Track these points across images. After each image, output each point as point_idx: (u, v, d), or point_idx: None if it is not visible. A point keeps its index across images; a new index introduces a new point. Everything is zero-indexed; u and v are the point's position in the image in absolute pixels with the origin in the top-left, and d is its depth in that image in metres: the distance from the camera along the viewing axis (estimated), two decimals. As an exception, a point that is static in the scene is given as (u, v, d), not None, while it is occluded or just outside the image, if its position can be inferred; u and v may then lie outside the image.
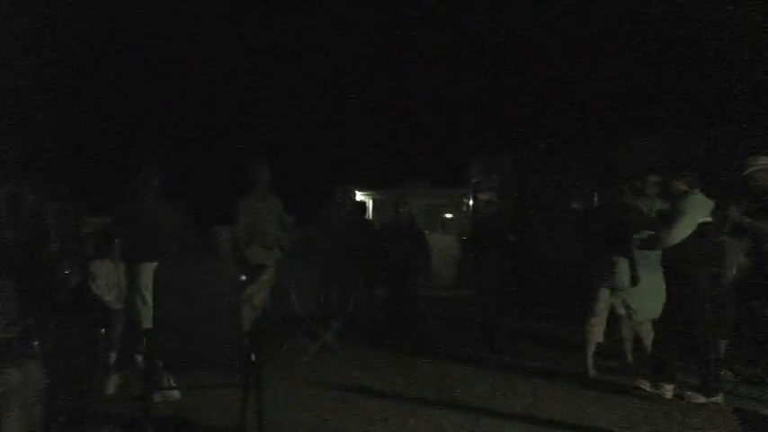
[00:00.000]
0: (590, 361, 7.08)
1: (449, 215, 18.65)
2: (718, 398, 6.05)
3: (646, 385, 6.28)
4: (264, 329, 7.72)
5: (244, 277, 7.05)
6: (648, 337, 6.97)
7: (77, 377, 5.50)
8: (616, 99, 18.25)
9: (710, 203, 6.33)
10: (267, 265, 7.85)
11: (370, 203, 17.89)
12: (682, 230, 6.21)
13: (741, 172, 6.66)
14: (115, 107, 21.55)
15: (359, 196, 16.13)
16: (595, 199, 8.28)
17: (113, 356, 6.83)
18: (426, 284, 9.79)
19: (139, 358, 6.89)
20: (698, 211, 6.27)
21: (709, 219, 6.31)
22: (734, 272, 6.80)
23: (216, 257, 7.77)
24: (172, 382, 5.93)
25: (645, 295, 6.88)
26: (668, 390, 6.21)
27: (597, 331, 7.10)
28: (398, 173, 22.23)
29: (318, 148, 24.10)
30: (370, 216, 16.63)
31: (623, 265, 6.89)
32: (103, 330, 6.59)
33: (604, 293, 7.06)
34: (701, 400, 6.05)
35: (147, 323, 5.54)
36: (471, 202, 16.36)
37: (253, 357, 4.91)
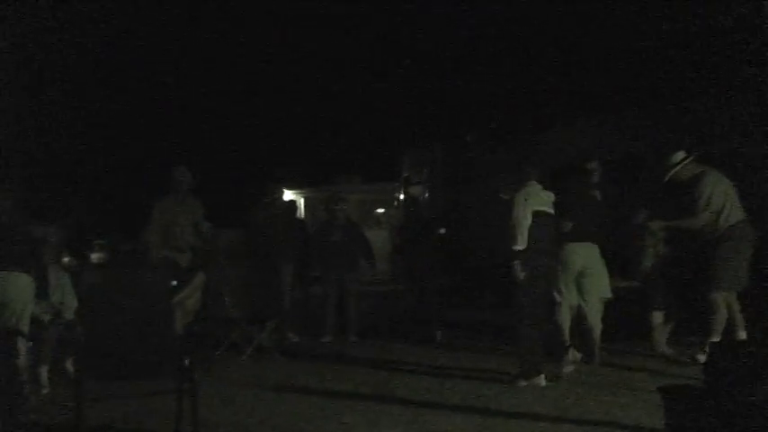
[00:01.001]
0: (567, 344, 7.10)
1: (381, 210, 18.77)
2: (539, 379, 6.34)
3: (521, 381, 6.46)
4: (198, 333, 7.68)
5: (174, 282, 7.00)
6: (597, 321, 7.14)
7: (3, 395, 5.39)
8: (542, 89, 18.59)
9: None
10: (197, 269, 7.83)
11: (301, 202, 17.86)
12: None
13: (662, 169, 6.94)
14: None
15: (289, 195, 16.09)
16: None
17: (44, 370, 6.71)
18: (371, 278, 9.78)
19: (70, 368, 6.79)
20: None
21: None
22: (651, 262, 7.10)
23: (146, 263, 7.71)
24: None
25: (595, 277, 7.10)
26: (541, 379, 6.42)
27: (565, 317, 7.18)
28: (329, 170, 22.24)
29: (246, 149, 23.93)
30: (302, 215, 16.60)
31: (577, 252, 7.06)
32: (31, 344, 6.47)
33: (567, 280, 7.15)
34: (523, 383, 6.34)
35: None
36: (402, 197, 16.48)
37: (186, 362, 4.88)
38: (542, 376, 6.43)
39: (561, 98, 17.53)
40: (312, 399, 6.21)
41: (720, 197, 6.78)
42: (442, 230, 9.64)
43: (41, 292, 6.79)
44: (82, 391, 4.87)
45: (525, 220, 6.37)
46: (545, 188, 6.66)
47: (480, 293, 11.60)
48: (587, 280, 7.16)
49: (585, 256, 7.11)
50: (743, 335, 6.75)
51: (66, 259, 8.97)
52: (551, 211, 6.60)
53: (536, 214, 6.42)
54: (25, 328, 6.34)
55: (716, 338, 6.54)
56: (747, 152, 7.64)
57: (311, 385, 6.78)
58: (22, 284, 6.49)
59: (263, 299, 8.85)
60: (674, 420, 3.68)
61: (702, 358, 6.42)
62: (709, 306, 6.71)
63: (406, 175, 16.22)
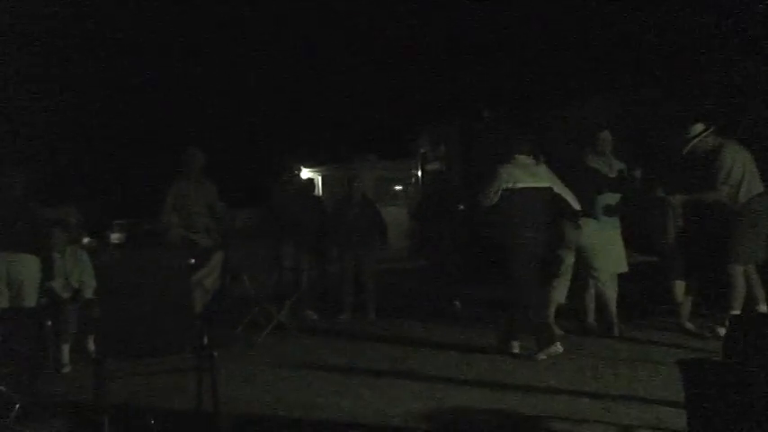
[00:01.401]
0: (551, 320, 7.15)
1: (398, 187, 18.72)
2: (555, 347, 6.43)
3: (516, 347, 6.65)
4: (217, 312, 7.74)
5: (193, 261, 7.04)
6: (613, 295, 7.18)
7: (25, 373, 5.46)
8: (557, 66, 18.46)
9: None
10: (215, 248, 7.87)
11: (318, 180, 17.85)
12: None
13: (680, 142, 6.86)
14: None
15: (306, 173, 16.09)
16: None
17: (65, 349, 6.79)
18: (388, 255, 9.79)
19: (91, 346, 6.87)
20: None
21: None
22: (672, 234, 7.04)
23: (164, 242, 7.76)
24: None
25: (607, 253, 7.07)
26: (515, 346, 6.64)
27: (560, 292, 7.27)
28: (347, 147, 22.20)
29: (264, 128, 23.93)
30: (320, 192, 16.60)
31: (588, 226, 7.06)
32: (50, 323, 6.55)
33: (566, 255, 7.21)
34: (542, 356, 6.41)
35: None
36: (420, 174, 16.43)
37: (205, 340, 4.91)
38: (558, 344, 6.47)
39: (576, 75, 17.41)
40: (330, 376, 6.25)
41: (740, 170, 6.70)
42: (461, 206, 9.59)
43: (47, 274, 6.91)
44: (102, 370, 4.91)
45: (492, 195, 6.52)
46: (540, 162, 6.71)
47: (497, 269, 11.56)
48: (597, 255, 7.14)
49: (588, 233, 7.10)
50: (764, 308, 6.70)
51: (86, 239, 9.06)
52: (547, 185, 6.63)
53: (521, 190, 6.50)
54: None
55: (736, 311, 6.49)
56: (765, 122, 7.51)
57: (329, 362, 6.81)
58: (29, 265, 6.64)
59: (282, 278, 8.89)
60: (694, 394, 3.66)
61: (722, 331, 6.37)
62: (728, 279, 6.65)
63: (423, 151, 16.15)
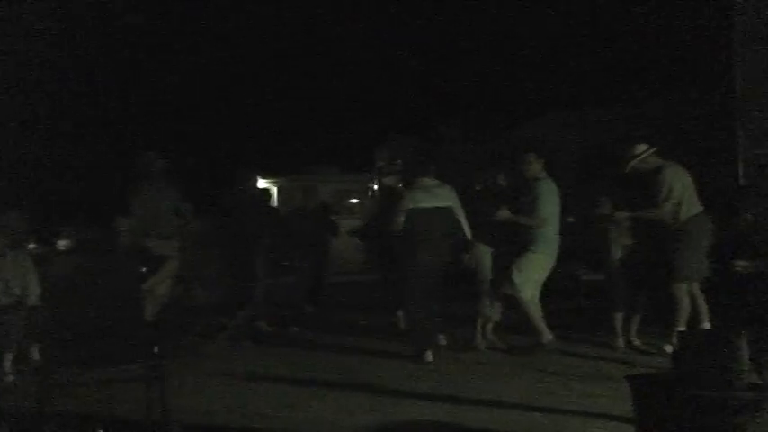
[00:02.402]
0: (479, 336, 7.48)
1: (355, 200, 18.74)
2: (426, 355, 6.88)
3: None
4: (167, 320, 7.63)
5: (144, 269, 6.93)
6: (529, 312, 7.17)
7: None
8: (514, 85, 18.73)
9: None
10: (168, 256, 7.73)
11: (275, 190, 17.77)
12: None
13: (622, 162, 7.08)
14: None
15: (263, 183, 16.00)
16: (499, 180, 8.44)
17: (8, 357, 6.62)
18: (343, 267, 9.81)
19: (35, 355, 6.72)
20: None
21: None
22: (619, 253, 7.17)
23: (114, 250, 7.63)
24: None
25: (530, 271, 7.14)
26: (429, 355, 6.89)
27: (486, 308, 7.47)
28: (304, 159, 22.15)
29: (220, 138, 23.71)
30: (275, 203, 16.53)
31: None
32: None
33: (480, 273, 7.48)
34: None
35: None
36: (376, 187, 16.48)
37: (156, 349, 4.83)
38: (429, 352, 6.89)
39: (531, 94, 17.70)
40: (282, 387, 6.19)
41: (680, 189, 6.92)
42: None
43: None
44: (47, 378, 4.81)
45: (400, 217, 7.09)
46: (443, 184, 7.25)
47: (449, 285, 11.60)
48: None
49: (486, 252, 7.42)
50: (707, 324, 6.85)
51: (31, 245, 8.84)
52: (445, 204, 7.14)
53: (423, 209, 7.05)
54: None
55: (681, 328, 6.62)
56: (702, 146, 7.75)
57: (281, 373, 6.75)
58: None
59: (235, 287, 8.80)
60: (643, 408, 3.71)
61: (669, 348, 6.50)
62: (672, 297, 6.82)
63: (380, 165, 16.21)
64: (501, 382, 6.15)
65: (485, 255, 7.44)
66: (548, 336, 7.09)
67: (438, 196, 7.15)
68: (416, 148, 14.94)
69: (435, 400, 5.64)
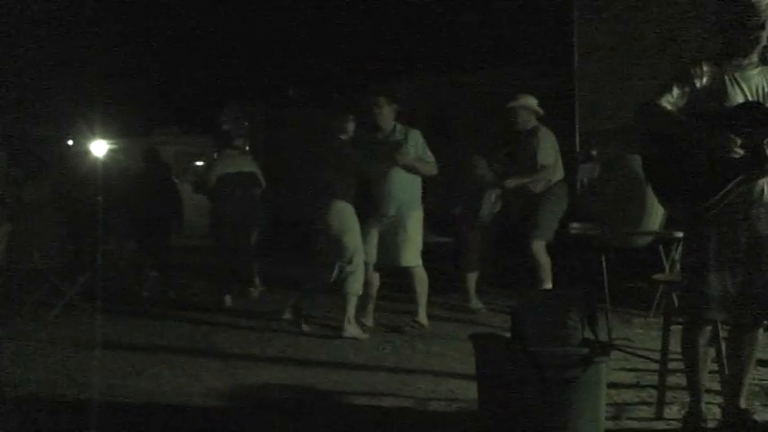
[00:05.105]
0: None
1: (199, 163, 18.26)
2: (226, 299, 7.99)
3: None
4: (3, 287, 7.25)
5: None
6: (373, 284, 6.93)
7: None
8: (367, 47, 18.80)
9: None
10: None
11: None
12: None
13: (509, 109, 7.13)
14: None
15: (106, 145, 15.38)
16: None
17: None
18: (178, 233, 9.64)
19: None
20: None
21: None
22: (486, 212, 7.39)
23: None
24: None
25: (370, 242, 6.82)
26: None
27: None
28: (146, 121, 21.38)
29: (56, 97, 22.25)
30: (119, 165, 15.88)
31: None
32: None
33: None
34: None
35: None
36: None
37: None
38: (228, 297, 8.05)
39: (377, 59, 17.84)
40: (128, 355, 6.03)
41: (553, 155, 7.11)
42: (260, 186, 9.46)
43: None
44: None
45: (210, 180, 8.41)
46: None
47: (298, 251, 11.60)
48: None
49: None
50: (548, 284, 7.20)
51: None
52: (248, 169, 8.61)
53: (227, 174, 8.33)
54: None
55: (546, 286, 6.89)
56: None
57: (126, 341, 6.57)
58: None
59: (75, 252, 8.42)
60: (484, 366, 3.91)
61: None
62: (533, 256, 7.00)
63: (226, 128, 15.87)
64: (349, 345, 6.27)
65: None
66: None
67: (241, 164, 8.64)
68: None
69: (286, 364, 5.70)
